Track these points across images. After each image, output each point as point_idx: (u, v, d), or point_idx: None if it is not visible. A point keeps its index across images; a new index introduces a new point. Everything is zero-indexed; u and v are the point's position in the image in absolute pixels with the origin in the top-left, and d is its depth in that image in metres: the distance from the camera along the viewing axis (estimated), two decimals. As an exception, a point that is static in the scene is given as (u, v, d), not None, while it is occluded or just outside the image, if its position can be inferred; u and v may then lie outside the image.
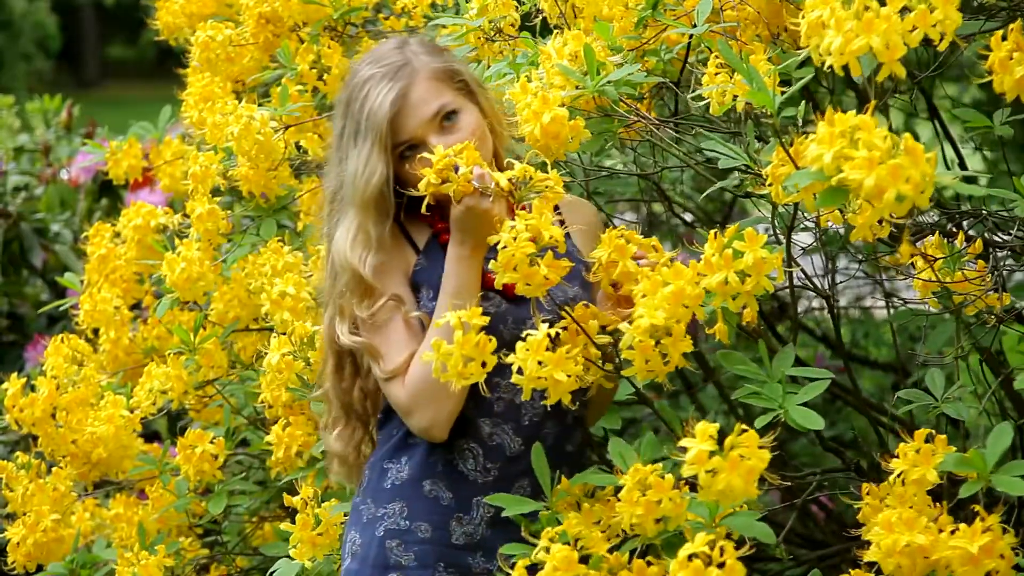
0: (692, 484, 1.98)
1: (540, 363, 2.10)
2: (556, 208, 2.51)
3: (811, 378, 2.24)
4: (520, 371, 2.10)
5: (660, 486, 2.05)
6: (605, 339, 2.26)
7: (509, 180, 2.23)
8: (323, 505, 2.63)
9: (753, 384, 2.24)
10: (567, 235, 2.47)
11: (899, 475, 2.10)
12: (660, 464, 2.09)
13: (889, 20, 1.91)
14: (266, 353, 2.82)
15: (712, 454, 1.92)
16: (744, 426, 1.95)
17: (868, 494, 2.21)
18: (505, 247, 2.15)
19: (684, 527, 2.07)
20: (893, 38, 1.91)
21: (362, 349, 2.39)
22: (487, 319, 2.13)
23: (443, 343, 2.12)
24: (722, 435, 1.93)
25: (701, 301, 2.12)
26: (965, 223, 2.60)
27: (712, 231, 2.12)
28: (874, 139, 1.81)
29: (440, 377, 2.14)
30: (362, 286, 2.36)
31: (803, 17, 2.00)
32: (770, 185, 2.16)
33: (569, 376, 2.11)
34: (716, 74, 2.32)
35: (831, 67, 1.93)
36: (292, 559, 2.59)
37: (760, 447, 1.93)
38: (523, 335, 2.12)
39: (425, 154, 2.29)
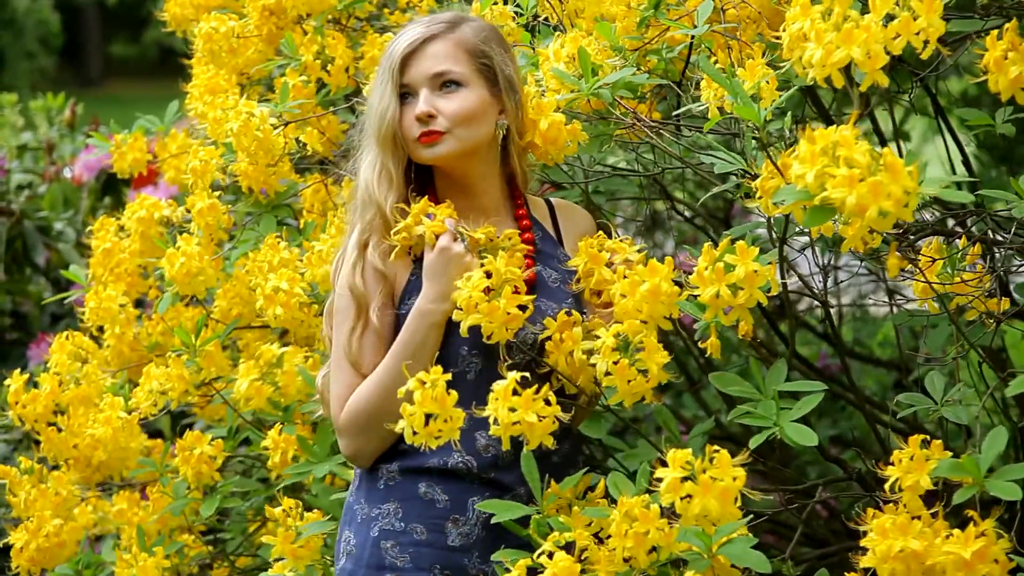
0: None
1: (512, 409, 2.10)
2: (552, 212, 2.53)
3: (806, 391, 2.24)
4: (496, 421, 2.11)
5: (646, 517, 2.04)
6: (591, 344, 2.26)
7: (484, 235, 2.29)
8: (305, 516, 2.67)
9: (747, 404, 2.23)
10: (560, 243, 2.48)
11: (894, 481, 2.10)
12: (648, 495, 2.08)
13: (869, 30, 1.91)
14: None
15: (685, 479, 1.93)
16: (716, 447, 1.97)
17: (873, 518, 2.19)
18: (463, 291, 2.20)
19: (684, 558, 2.06)
20: (874, 48, 1.91)
21: (355, 295, 2.38)
22: (449, 375, 2.14)
23: (407, 407, 2.12)
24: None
25: (677, 298, 2.14)
26: (968, 220, 2.60)
27: (705, 244, 2.12)
28: (854, 155, 1.82)
29: (390, 423, 2.16)
30: (384, 224, 2.38)
31: (784, 30, 2.01)
32: (760, 197, 2.16)
33: (543, 418, 2.10)
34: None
35: (814, 79, 1.94)
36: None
37: (735, 465, 1.95)
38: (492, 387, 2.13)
39: (400, 204, 2.35)
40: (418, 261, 2.38)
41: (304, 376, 2.90)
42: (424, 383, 2.11)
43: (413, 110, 2.37)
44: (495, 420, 2.10)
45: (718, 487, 1.94)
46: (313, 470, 2.81)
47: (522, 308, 2.21)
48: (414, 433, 2.11)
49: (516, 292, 2.23)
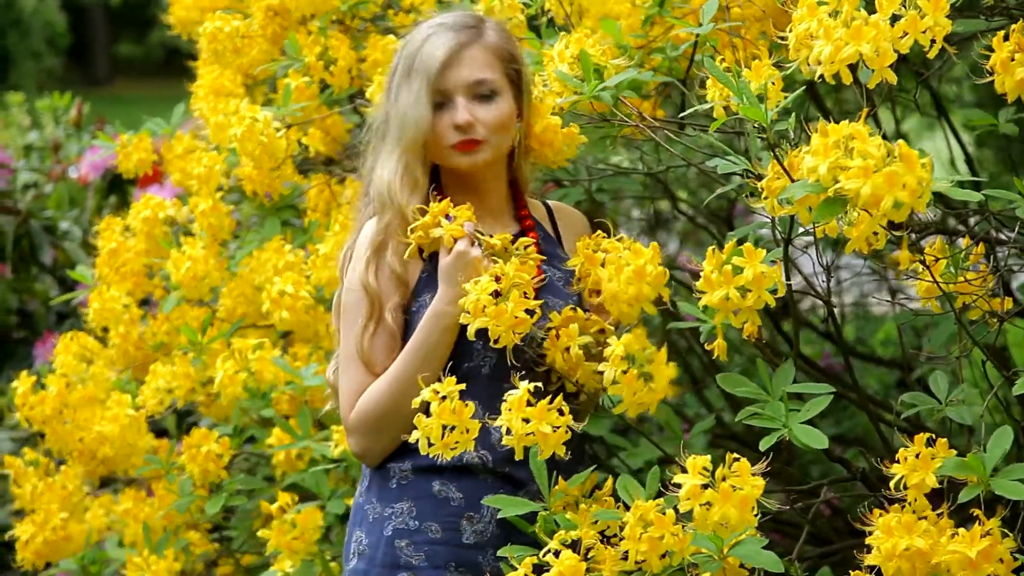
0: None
1: (526, 420, 2.10)
2: (550, 215, 2.54)
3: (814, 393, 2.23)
4: (509, 432, 2.11)
5: (661, 522, 2.03)
6: (587, 339, 2.28)
7: (500, 241, 2.29)
8: (301, 510, 2.69)
9: (754, 405, 2.22)
10: (560, 244, 2.49)
11: (899, 480, 2.10)
12: (662, 499, 2.08)
13: (878, 27, 1.93)
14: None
15: (705, 486, 1.94)
16: (735, 455, 1.96)
17: (879, 516, 2.19)
18: (471, 294, 2.20)
19: (695, 562, 2.05)
20: (882, 45, 1.93)
21: (369, 293, 2.37)
22: (463, 385, 2.14)
23: (422, 418, 2.13)
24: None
25: (665, 281, 2.15)
26: (972, 219, 2.61)
27: (710, 247, 2.13)
28: (868, 148, 1.82)
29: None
30: (404, 228, 2.36)
31: (790, 30, 2.02)
32: (766, 198, 2.17)
33: (556, 428, 2.11)
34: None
35: (821, 76, 1.95)
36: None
37: (753, 473, 1.95)
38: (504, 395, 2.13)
39: (420, 205, 2.34)
40: (429, 259, 2.38)
41: (280, 365, 2.91)
42: (439, 394, 2.12)
43: (445, 116, 2.36)
44: (508, 431, 2.11)
45: (738, 496, 1.94)
46: (296, 446, 2.84)
47: (530, 312, 2.22)
48: (430, 444, 2.12)
49: (524, 296, 2.24)
